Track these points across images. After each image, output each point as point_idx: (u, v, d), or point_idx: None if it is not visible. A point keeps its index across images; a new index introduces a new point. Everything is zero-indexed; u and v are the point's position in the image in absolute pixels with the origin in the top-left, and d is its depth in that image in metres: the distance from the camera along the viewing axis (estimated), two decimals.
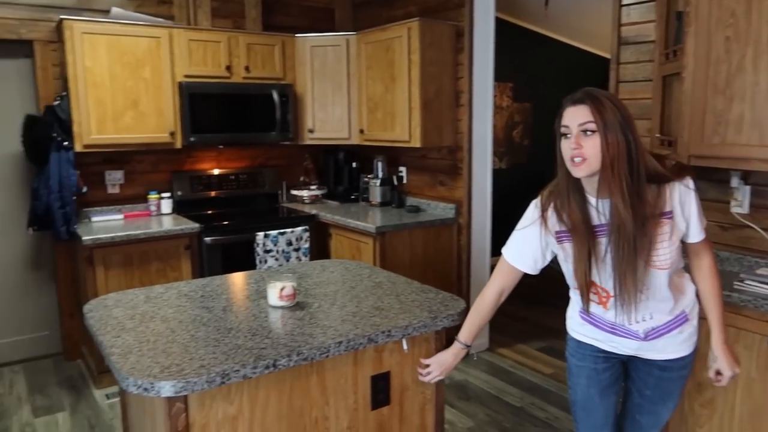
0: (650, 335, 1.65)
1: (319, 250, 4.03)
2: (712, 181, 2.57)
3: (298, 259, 3.82)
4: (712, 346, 1.68)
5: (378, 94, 3.96)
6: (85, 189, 3.69)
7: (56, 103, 3.57)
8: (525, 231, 1.67)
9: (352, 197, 4.47)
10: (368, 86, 4.04)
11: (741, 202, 2.44)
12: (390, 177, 4.28)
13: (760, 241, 2.41)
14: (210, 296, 2.14)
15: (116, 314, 1.95)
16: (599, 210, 1.55)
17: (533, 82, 6.27)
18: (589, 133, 1.46)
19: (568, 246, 1.61)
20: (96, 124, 3.53)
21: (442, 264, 3.84)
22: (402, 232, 3.63)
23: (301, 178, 4.61)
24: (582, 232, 1.54)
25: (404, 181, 4.28)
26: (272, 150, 4.53)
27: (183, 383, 1.46)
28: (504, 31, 5.82)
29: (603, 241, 1.55)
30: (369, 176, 4.33)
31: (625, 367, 1.80)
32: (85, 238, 3.27)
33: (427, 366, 1.84)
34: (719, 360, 1.66)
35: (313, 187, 4.52)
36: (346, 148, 4.55)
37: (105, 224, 3.65)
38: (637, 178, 1.47)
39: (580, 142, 1.47)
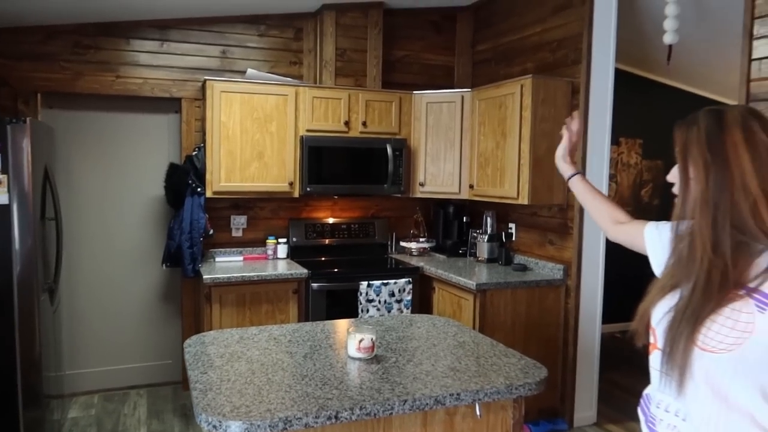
0: None
1: (422, 303, 4.03)
2: None
3: (400, 310, 3.85)
4: None
5: (489, 149, 3.96)
6: (212, 231, 4.04)
7: (194, 153, 3.99)
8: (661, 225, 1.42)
9: (460, 252, 4.44)
10: (480, 142, 4.05)
11: None
12: (498, 233, 4.20)
13: None
14: (297, 341, 2.23)
15: (209, 351, 2.09)
16: None
17: (665, 138, 5.88)
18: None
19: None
20: (225, 172, 3.88)
21: (546, 327, 3.67)
22: (505, 291, 3.52)
23: (411, 231, 4.68)
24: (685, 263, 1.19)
25: (513, 238, 4.18)
26: (384, 201, 4.67)
27: (248, 425, 1.52)
28: (632, 84, 5.59)
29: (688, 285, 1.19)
30: (477, 231, 4.29)
31: None
32: (205, 276, 3.57)
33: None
34: None
35: (421, 239, 4.56)
36: (457, 203, 4.56)
37: (226, 265, 3.95)
38: (722, 230, 1.09)
39: (674, 172, 1.22)
